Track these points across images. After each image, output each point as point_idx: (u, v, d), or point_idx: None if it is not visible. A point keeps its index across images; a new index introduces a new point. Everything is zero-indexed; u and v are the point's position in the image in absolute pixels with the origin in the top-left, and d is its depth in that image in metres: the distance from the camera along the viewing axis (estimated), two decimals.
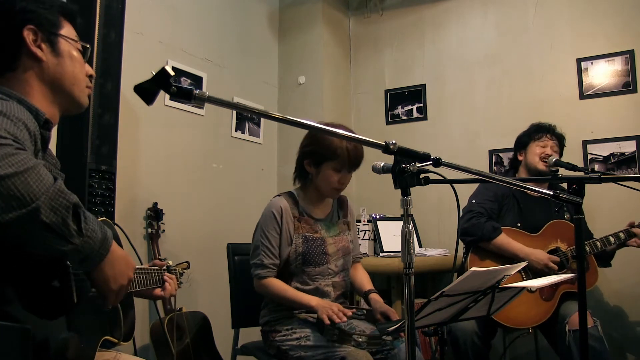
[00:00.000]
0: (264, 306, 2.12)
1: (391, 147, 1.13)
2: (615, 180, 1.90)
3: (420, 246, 3.40)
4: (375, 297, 2.09)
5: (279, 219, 2.02)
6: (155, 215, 2.66)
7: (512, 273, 1.44)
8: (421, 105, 3.70)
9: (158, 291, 1.50)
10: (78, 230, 0.97)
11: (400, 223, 1.15)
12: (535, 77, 3.33)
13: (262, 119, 3.59)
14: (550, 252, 2.43)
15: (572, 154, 2.95)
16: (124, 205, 2.54)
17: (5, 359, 0.90)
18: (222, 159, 3.26)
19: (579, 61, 3.20)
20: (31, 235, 0.93)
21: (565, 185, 1.53)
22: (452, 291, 1.32)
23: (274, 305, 2.06)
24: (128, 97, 2.44)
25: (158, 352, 2.43)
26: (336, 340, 1.80)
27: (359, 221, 3.16)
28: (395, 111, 3.79)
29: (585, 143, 3.14)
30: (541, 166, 2.54)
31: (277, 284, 2.00)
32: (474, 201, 2.54)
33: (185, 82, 3.01)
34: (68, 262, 1.08)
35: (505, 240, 2.40)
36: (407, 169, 1.14)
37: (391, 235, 3.23)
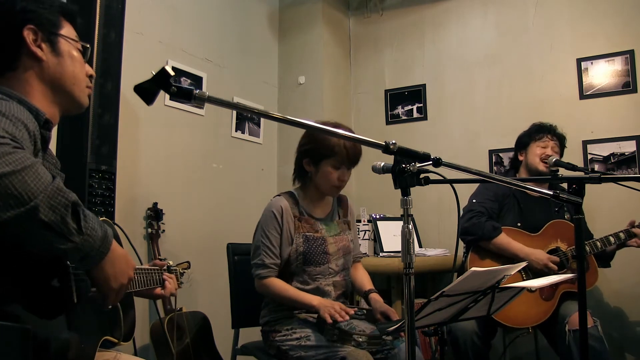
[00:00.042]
0: (264, 306, 2.12)
1: (391, 147, 1.13)
2: (615, 180, 1.90)
3: (420, 246, 3.40)
4: (375, 296, 2.10)
5: (279, 219, 2.02)
6: (155, 215, 2.67)
7: (512, 273, 1.44)
8: (421, 105, 3.70)
9: (158, 290, 1.50)
10: (78, 229, 0.97)
11: (400, 223, 1.15)
12: (535, 77, 3.33)
13: (262, 119, 3.59)
14: (550, 252, 2.43)
15: (572, 154, 2.95)
16: (124, 205, 2.54)
17: (5, 359, 0.90)
18: (222, 159, 3.26)
19: (579, 61, 3.20)
20: (30, 234, 0.93)
21: (565, 185, 1.53)
22: (452, 291, 1.32)
23: (274, 305, 2.06)
24: (128, 97, 2.44)
25: (158, 352, 2.43)
26: (336, 340, 1.80)
27: (359, 221, 3.16)
28: (395, 111, 3.79)
29: (585, 143, 3.14)
30: (542, 167, 2.54)
31: (279, 284, 2.00)
32: (474, 200, 2.54)
33: (185, 82, 3.01)
34: (68, 262, 1.08)
35: (505, 239, 2.40)
36: (407, 169, 1.14)
37: (391, 235, 3.23)
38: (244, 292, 2.27)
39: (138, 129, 2.73)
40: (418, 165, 1.15)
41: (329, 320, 1.79)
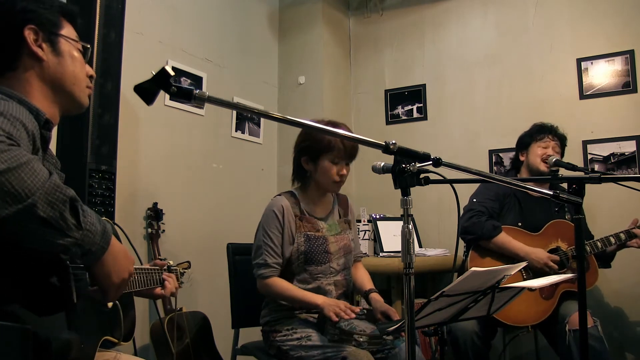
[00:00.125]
0: (264, 306, 2.12)
1: (391, 147, 1.13)
2: (615, 180, 1.89)
3: (420, 246, 3.40)
4: (375, 296, 2.10)
5: (280, 218, 2.02)
6: (155, 215, 2.67)
7: (512, 273, 1.44)
8: (421, 105, 3.70)
9: (158, 290, 1.50)
10: (77, 224, 0.96)
11: (400, 223, 1.15)
12: (535, 77, 3.33)
13: (262, 119, 3.59)
14: (551, 251, 2.43)
15: (572, 154, 2.95)
16: (124, 205, 2.54)
17: (5, 359, 0.90)
18: (222, 159, 3.26)
19: (579, 61, 3.20)
20: (29, 231, 0.93)
21: (565, 185, 1.53)
22: (452, 291, 1.32)
23: (275, 305, 2.06)
24: (128, 97, 2.44)
25: (158, 352, 2.43)
26: (337, 340, 1.80)
27: (359, 221, 3.16)
28: (395, 111, 3.79)
29: (585, 143, 3.14)
30: (543, 167, 2.54)
31: (282, 284, 1.99)
32: (475, 200, 2.54)
33: (185, 82, 3.01)
34: (68, 262, 1.08)
35: (506, 239, 2.41)
36: (407, 169, 1.14)
37: (391, 235, 3.23)
38: (244, 292, 2.27)
39: (138, 129, 2.73)
40: (418, 165, 1.15)
41: (335, 319, 1.79)
